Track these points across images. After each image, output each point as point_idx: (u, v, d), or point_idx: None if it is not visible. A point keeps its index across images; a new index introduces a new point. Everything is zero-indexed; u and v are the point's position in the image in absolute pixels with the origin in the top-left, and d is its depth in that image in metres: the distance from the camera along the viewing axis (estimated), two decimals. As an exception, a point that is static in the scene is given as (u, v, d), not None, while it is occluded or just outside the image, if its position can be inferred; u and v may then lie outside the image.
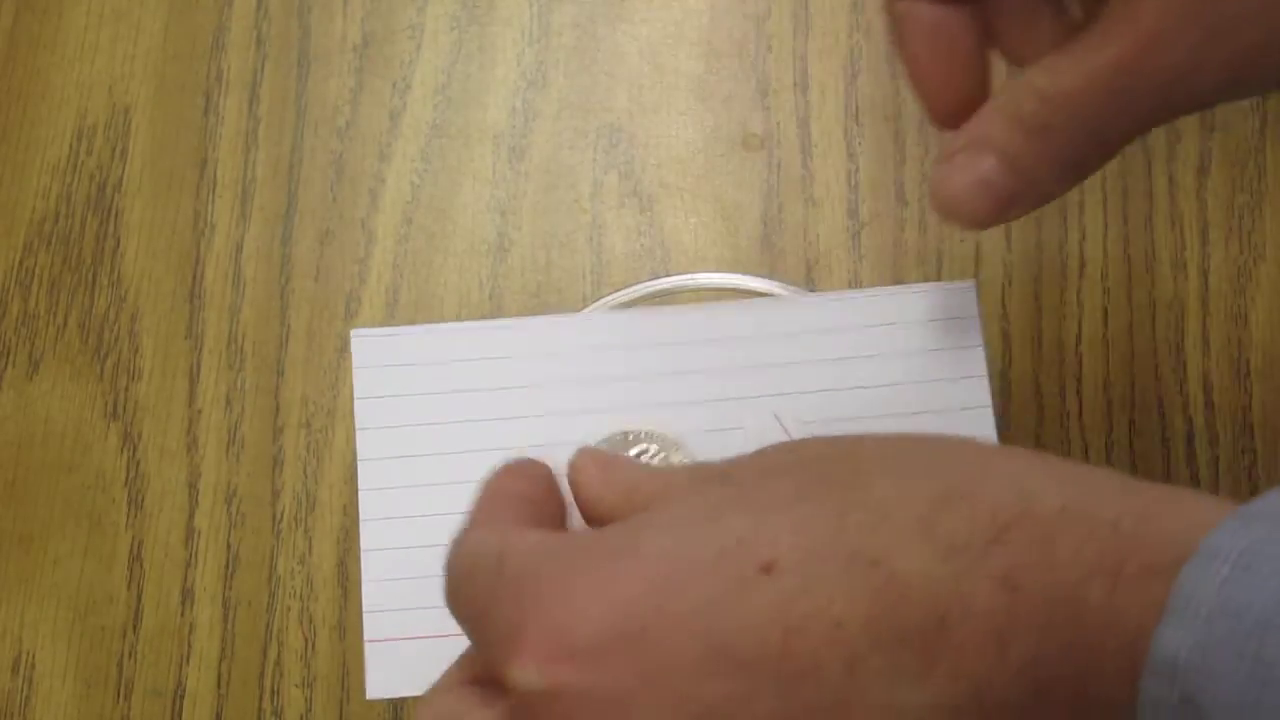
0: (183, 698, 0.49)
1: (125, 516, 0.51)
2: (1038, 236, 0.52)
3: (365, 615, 0.42)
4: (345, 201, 0.54)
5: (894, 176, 0.53)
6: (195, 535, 0.50)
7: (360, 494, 0.43)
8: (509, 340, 0.45)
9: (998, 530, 0.30)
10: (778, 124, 0.54)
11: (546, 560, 0.33)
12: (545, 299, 0.52)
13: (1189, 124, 0.53)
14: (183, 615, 0.50)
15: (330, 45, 0.56)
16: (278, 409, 0.52)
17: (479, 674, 0.34)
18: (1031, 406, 0.50)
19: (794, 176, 0.53)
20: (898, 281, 0.52)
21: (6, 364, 0.52)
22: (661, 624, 0.31)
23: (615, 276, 0.52)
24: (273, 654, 0.49)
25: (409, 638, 0.42)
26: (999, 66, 0.42)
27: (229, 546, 0.50)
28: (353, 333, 0.45)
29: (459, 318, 0.52)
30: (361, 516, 0.43)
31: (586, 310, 0.47)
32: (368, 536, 0.43)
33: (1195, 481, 0.50)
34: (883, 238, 0.53)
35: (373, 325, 0.52)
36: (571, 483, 0.37)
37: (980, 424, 0.43)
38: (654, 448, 0.44)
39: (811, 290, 0.49)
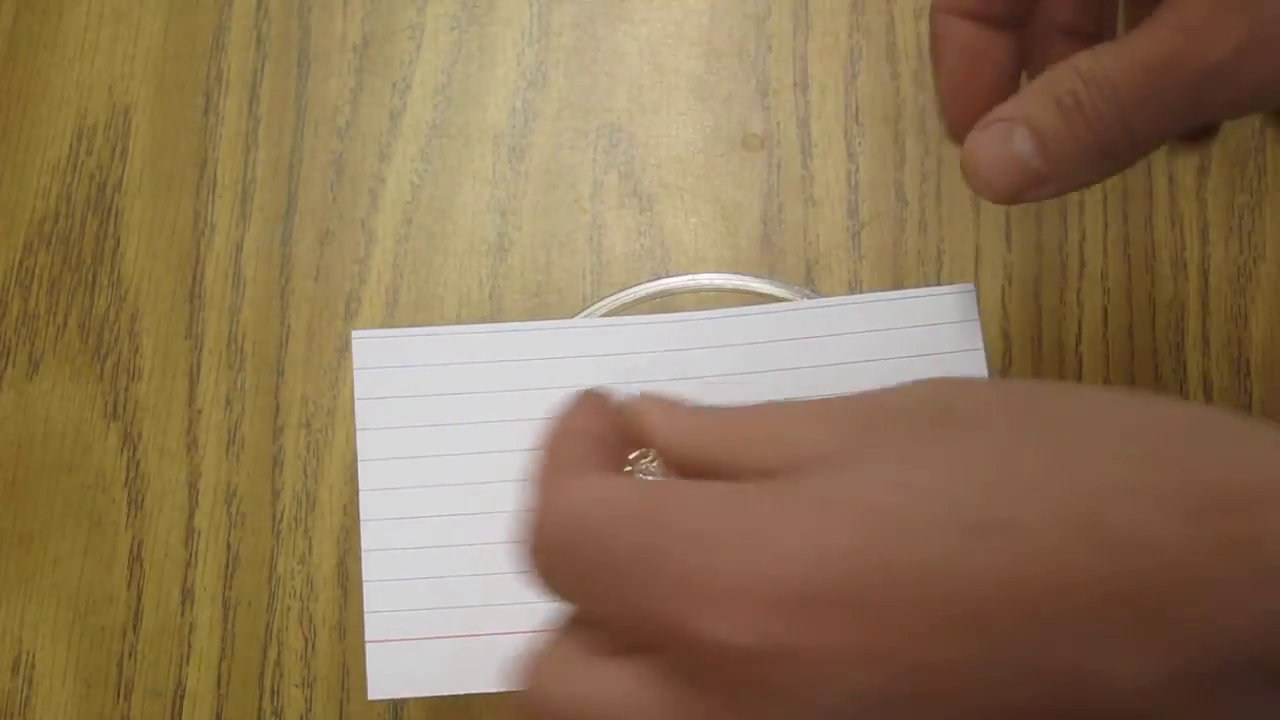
0: (183, 698, 0.49)
1: (125, 516, 0.51)
2: (1038, 236, 0.52)
3: (366, 616, 0.42)
4: (345, 201, 0.54)
5: (894, 176, 0.53)
6: (195, 535, 0.50)
7: (361, 494, 0.43)
8: (510, 343, 0.45)
9: (1247, 500, 0.28)
10: (778, 124, 0.54)
11: (733, 509, 0.30)
12: (545, 299, 0.52)
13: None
14: (183, 615, 0.50)
15: (330, 45, 0.56)
16: (278, 409, 0.52)
17: (609, 645, 0.31)
18: (1031, 407, 0.50)
19: (794, 176, 0.53)
20: (898, 281, 0.52)
21: (6, 364, 0.52)
22: (885, 580, 0.28)
23: (615, 276, 0.52)
24: (273, 654, 0.49)
25: (410, 638, 0.42)
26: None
27: (229, 546, 0.50)
28: (354, 334, 0.45)
29: (459, 318, 0.52)
30: (362, 517, 0.43)
31: (586, 311, 0.47)
32: (368, 537, 0.43)
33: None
34: (883, 238, 0.53)
35: (373, 325, 0.52)
36: (649, 428, 0.34)
37: (980, 426, 0.43)
38: (653, 451, 0.44)
39: (812, 290, 0.49)
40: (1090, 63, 0.38)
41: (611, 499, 0.31)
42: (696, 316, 0.45)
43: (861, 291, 0.52)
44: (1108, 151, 0.38)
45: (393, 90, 0.55)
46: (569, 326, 0.45)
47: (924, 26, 0.53)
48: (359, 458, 0.43)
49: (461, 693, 0.42)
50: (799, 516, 0.29)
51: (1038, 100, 0.39)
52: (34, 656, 0.49)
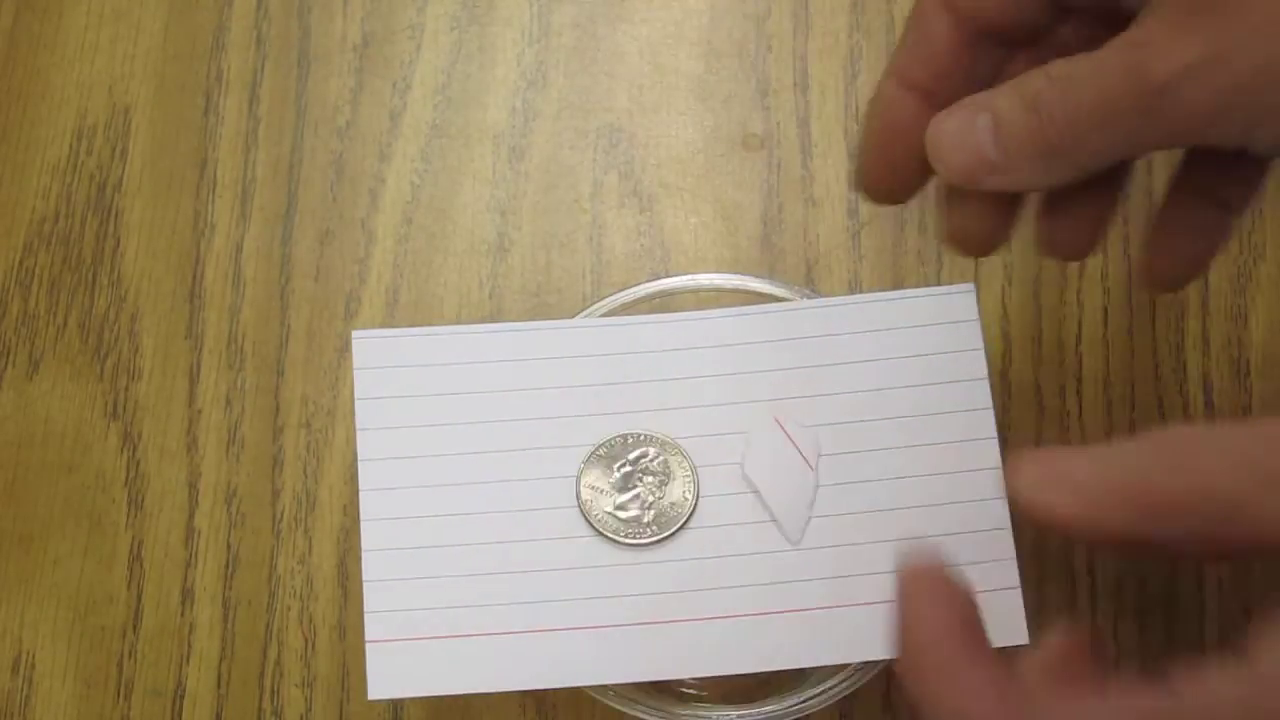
0: (183, 698, 0.49)
1: (125, 516, 0.51)
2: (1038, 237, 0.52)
3: (366, 616, 0.42)
4: (345, 201, 0.54)
5: (894, 176, 0.53)
6: (195, 535, 0.50)
7: (361, 495, 0.43)
8: (510, 343, 0.45)
9: None
10: (778, 124, 0.54)
11: None
12: (545, 299, 0.52)
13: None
14: (183, 615, 0.50)
15: (330, 45, 0.56)
16: (278, 409, 0.52)
17: None
18: (1031, 407, 0.50)
19: (794, 176, 0.53)
20: (898, 281, 0.52)
21: (6, 364, 0.52)
22: None
23: (615, 276, 0.52)
24: (273, 654, 0.49)
25: (410, 638, 0.42)
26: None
27: (229, 546, 0.50)
28: (354, 334, 0.45)
29: (459, 318, 0.52)
30: (362, 517, 0.43)
31: (586, 311, 0.47)
32: (368, 537, 0.43)
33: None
34: (883, 238, 0.53)
35: (373, 325, 0.52)
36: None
37: (980, 426, 0.43)
38: (653, 451, 0.44)
39: (812, 290, 0.49)
40: (1061, 66, 0.38)
41: None
42: (696, 316, 0.45)
43: (861, 291, 0.52)
44: (1056, 152, 0.39)
45: (393, 90, 0.55)
46: (569, 326, 0.45)
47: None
48: (359, 458, 0.43)
49: (461, 693, 0.42)
50: None
51: (1007, 93, 0.39)
52: (34, 656, 0.49)
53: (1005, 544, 0.42)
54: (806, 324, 0.45)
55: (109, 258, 0.53)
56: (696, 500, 0.43)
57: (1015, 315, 0.51)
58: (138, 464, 0.51)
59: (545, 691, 0.48)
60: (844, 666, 0.43)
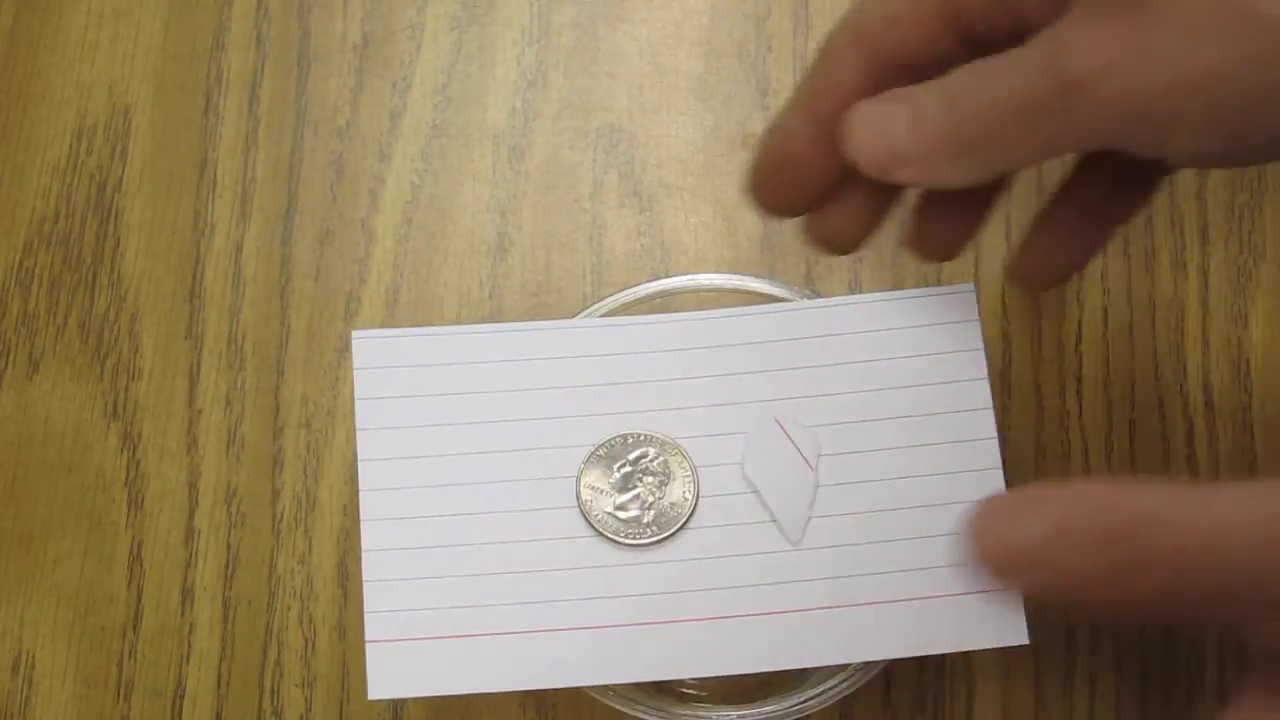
0: (183, 698, 0.49)
1: (125, 516, 0.51)
2: (1038, 237, 0.52)
3: (366, 616, 0.42)
4: (345, 201, 0.54)
5: (894, 176, 0.53)
6: (195, 535, 0.50)
7: (361, 495, 0.43)
8: (510, 343, 0.45)
9: None
10: (778, 124, 0.54)
11: None
12: (545, 299, 0.52)
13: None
14: (183, 615, 0.50)
15: (330, 45, 0.56)
16: (278, 409, 0.52)
17: None
18: (1031, 406, 0.50)
19: (794, 176, 0.53)
20: (898, 281, 0.52)
21: (6, 364, 0.52)
22: None
23: (615, 276, 0.52)
24: (273, 654, 0.49)
25: (410, 638, 0.42)
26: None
27: (229, 546, 0.50)
28: (354, 334, 0.45)
29: (459, 318, 0.52)
30: (362, 517, 0.43)
31: (586, 311, 0.47)
32: (369, 537, 0.43)
33: (1195, 482, 0.50)
34: (883, 238, 0.52)
35: (373, 325, 0.52)
36: None
37: (980, 426, 0.43)
38: (653, 451, 0.44)
39: (812, 290, 0.49)
40: (982, 62, 0.38)
41: None
42: (696, 316, 0.45)
43: (861, 291, 0.52)
44: (970, 146, 0.38)
45: (393, 90, 0.55)
46: (569, 326, 0.45)
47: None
48: (359, 458, 0.43)
49: (462, 693, 0.42)
50: None
51: (930, 87, 0.39)
52: (34, 656, 0.49)
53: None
54: (806, 324, 0.45)
55: (109, 258, 0.53)
56: (696, 500, 0.43)
57: (1015, 315, 0.51)
58: (138, 464, 0.51)
59: (545, 691, 0.48)
60: (844, 666, 0.43)
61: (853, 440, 0.43)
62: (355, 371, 0.44)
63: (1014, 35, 0.39)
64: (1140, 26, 0.35)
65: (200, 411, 0.52)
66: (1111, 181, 0.43)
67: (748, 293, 0.48)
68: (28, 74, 0.56)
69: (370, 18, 0.56)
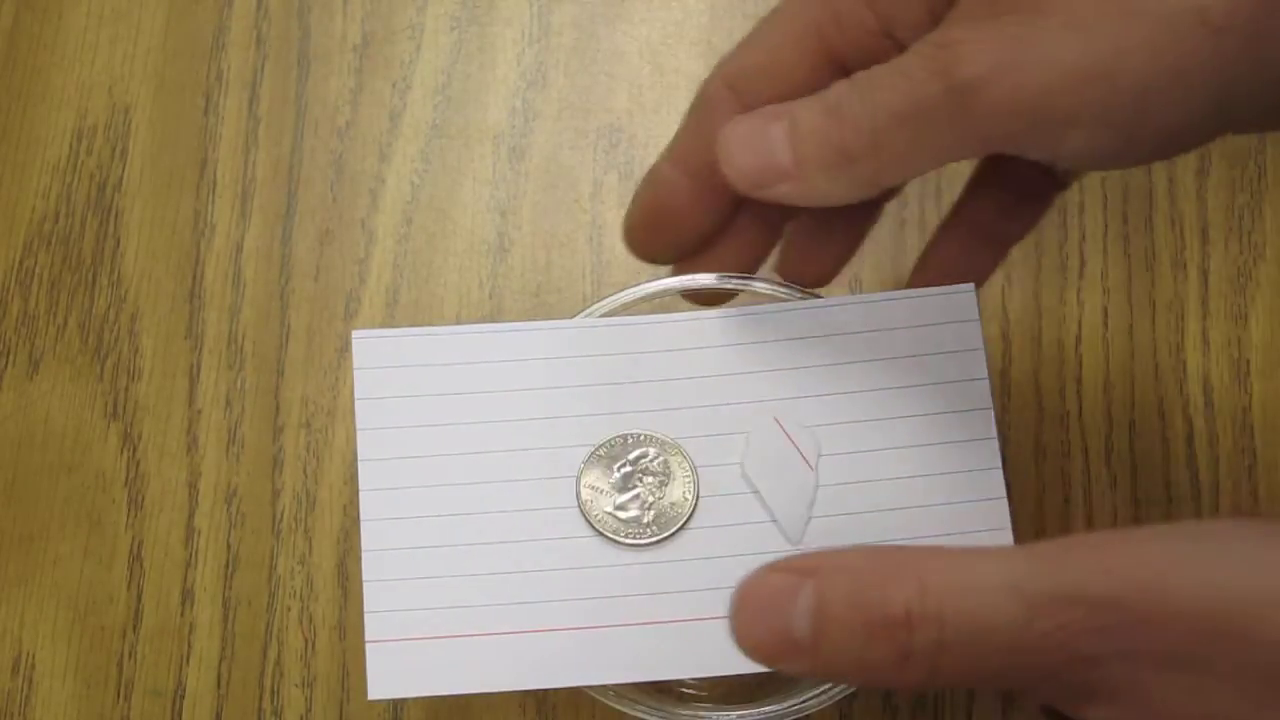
0: (183, 698, 0.49)
1: (125, 516, 0.51)
2: (1038, 237, 0.52)
3: (366, 616, 0.42)
4: (345, 201, 0.54)
5: (894, 176, 0.53)
6: (195, 535, 0.50)
7: (361, 495, 0.43)
8: (510, 343, 0.45)
9: None
10: (778, 124, 0.54)
11: None
12: (545, 299, 0.52)
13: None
14: (183, 615, 0.50)
15: (330, 45, 0.56)
16: (278, 409, 0.52)
17: None
18: (1031, 406, 0.50)
19: (794, 176, 0.53)
20: (898, 282, 0.52)
21: (6, 364, 0.52)
22: None
23: (615, 276, 0.52)
24: (273, 654, 0.49)
25: (410, 638, 0.42)
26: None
27: (229, 546, 0.50)
28: (354, 334, 0.45)
29: (459, 318, 0.52)
30: (362, 517, 0.43)
31: (586, 311, 0.47)
32: (368, 537, 0.43)
33: (1195, 482, 0.50)
34: (883, 238, 0.53)
35: (373, 325, 0.52)
36: None
37: (980, 426, 0.43)
38: (653, 451, 0.44)
39: (812, 291, 0.49)
40: (864, 72, 0.37)
41: None
42: (696, 316, 0.45)
43: (861, 291, 0.52)
44: (854, 158, 0.37)
45: (393, 90, 0.55)
46: (569, 326, 0.45)
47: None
48: (359, 458, 0.43)
49: (461, 693, 0.42)
50: None
51: (808, 100, 0.38)
52: (34, 656, 0.49)
53: (1005, 544, 0.42)
54: (806, 324, 0.45)
55: (109, 258, 0.53)
56: (696, 500, 0.43)
57: (1015, 315, 0.51)
58: (138, 464, 0.51)
59: (545, 691, 0.48)
60: (844, 666, 0.43)
61: (853, 440, 0.43)
62: (355, 371, 0.44)
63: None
64: (1028, 24, 0.35)
65: (200, 411, 0.52)
66: (1004, 199, 0.42)
67: (748, 293, 0.48)
68: (28, 74, 0.56)
69: (370, 18, 0.56)
